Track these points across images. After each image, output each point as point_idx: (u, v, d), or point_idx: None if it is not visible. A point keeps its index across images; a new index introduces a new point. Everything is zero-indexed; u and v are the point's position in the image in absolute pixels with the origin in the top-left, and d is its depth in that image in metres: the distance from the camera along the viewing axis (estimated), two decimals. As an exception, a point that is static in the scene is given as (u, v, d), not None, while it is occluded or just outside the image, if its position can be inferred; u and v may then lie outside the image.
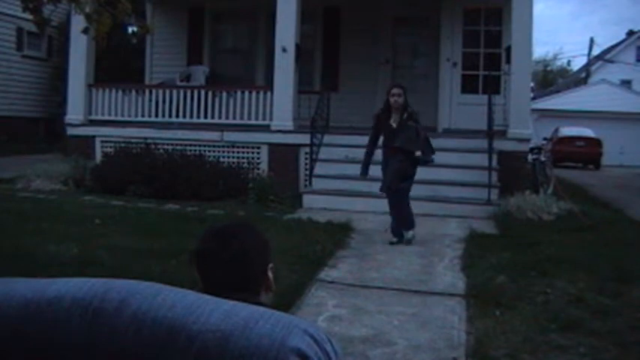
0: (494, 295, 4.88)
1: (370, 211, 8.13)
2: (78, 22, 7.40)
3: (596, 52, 35.47)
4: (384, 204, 7.07)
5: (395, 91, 6.72)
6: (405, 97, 6.71)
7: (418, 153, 6.66)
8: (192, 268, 1.45)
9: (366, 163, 7.01)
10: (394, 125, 6.69)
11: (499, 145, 9.47)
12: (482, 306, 4.67)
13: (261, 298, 1.43)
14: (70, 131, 11.24)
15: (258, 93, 10.70)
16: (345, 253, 6.30)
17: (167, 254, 5.40)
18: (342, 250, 6.39)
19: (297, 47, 10.25)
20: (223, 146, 10.58)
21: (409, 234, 6.80)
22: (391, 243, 6.74)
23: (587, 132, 23.58)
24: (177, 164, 9.56)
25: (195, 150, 10.31)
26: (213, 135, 10.57)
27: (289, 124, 10.25)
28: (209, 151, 10.44)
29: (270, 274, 1.47)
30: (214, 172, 9.63)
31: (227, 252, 1.42)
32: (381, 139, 6.99)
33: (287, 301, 4.52)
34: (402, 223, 6.84)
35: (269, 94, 10.46)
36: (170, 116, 10.95)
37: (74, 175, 10.12)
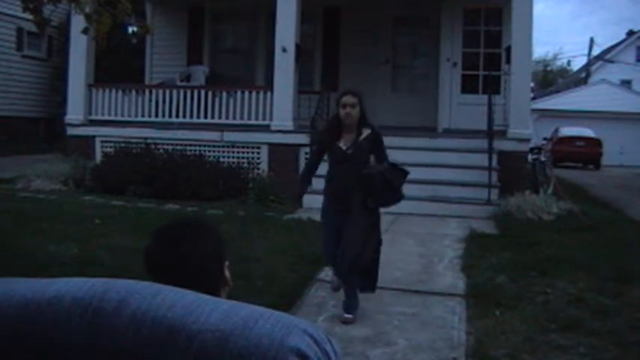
0: (494, 295, 4.88)
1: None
2: (78, 22, 7.40)
3: (596, 52, 35.55)
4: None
5: (346, 99, 4.54)
6: (362, 107, 4.61)
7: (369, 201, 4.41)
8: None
9: (302, 191, 5.32)
10: (344, 148, 4.58)
11: (499, 145, 9.47)
12: (483, 306, 4.68)
13: (221, 297, 1.37)
14: (70, 131, 11.24)
15: (258, 93, 10.70)
16: (345, 253, 6.29)
17: (167, 254, 5.39)
18: (342, 250, 6.38)
19: (297, 47, 10.25)
20: (223, 146, 10.58)
21: (355, 313, 4.52)
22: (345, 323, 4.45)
23: (587, 132, 23.59)
24: (177, 164, 9.57)
25: (195, 150, 10.31)
26: (213, 135, 10.56)
27: (289, 124, 10.24)
28: (209, 151, 10.44)
29: (226, 272, 1.38)
30: (214, 172, 9.63)
31: (176, 258, 1.29)
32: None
33: (287, 301, 4.54)
34: (353, 297, 4.57)
35: (269, 94, 10.46)
36: (170, 116, 10.95)
37: (74, 175, 10.12)
